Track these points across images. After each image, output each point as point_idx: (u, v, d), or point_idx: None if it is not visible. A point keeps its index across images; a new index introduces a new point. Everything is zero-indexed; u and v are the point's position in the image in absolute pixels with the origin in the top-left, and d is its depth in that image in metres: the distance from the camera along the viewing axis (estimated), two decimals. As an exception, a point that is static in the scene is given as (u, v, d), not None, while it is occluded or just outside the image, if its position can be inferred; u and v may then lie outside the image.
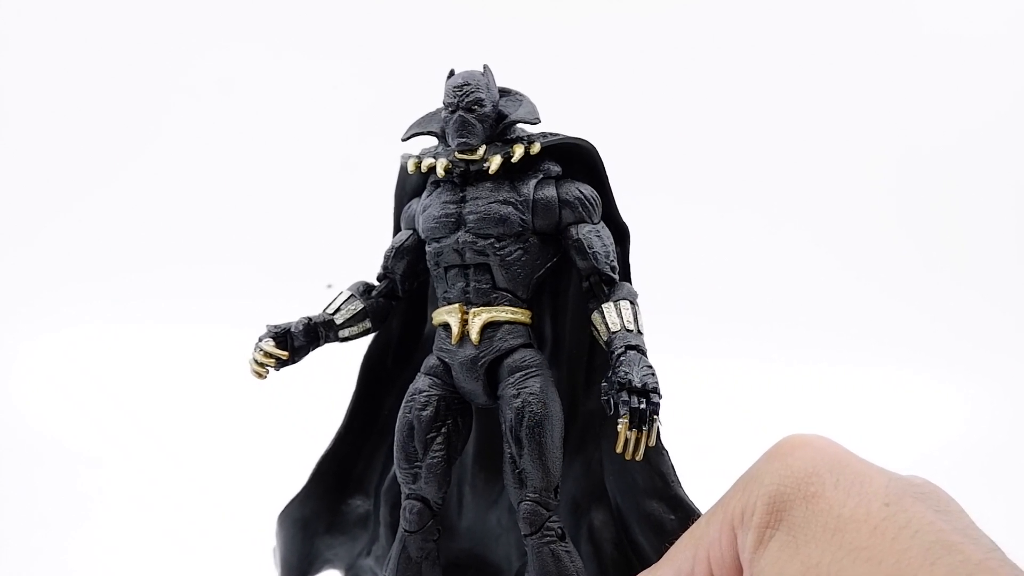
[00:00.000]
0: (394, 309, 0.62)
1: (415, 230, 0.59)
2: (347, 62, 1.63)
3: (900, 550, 0.38)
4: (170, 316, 1.53)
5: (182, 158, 1.63)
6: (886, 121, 1.64)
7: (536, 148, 0.54)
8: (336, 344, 0.61)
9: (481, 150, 0.54)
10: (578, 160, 0.56)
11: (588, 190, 0.56)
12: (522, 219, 0.54)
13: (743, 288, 1.56)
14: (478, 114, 0.54)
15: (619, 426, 0.49)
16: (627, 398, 0.49)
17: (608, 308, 0.53)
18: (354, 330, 0.60)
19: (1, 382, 1.45)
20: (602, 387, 0.51)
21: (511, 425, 0.52)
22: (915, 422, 1.41)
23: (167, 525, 1.09)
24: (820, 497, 0.42)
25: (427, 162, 0.56)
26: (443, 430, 0.55)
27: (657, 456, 0.54)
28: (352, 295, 0.60)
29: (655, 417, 0.49)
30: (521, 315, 0.55)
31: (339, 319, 0.60)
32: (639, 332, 0.53)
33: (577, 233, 0.55)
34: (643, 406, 0.49)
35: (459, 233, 0.55)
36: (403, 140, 0.58)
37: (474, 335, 0.54)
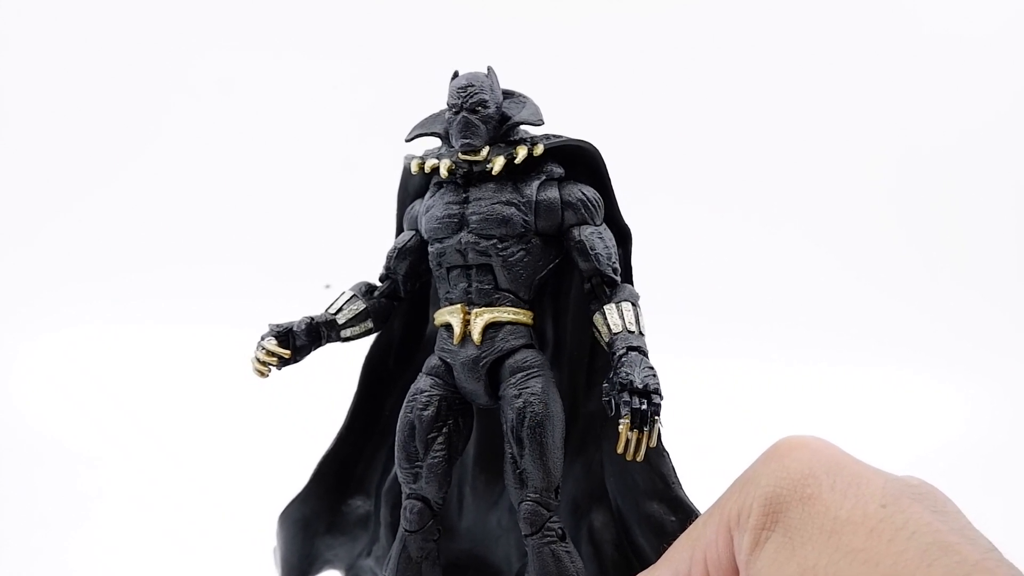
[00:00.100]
0: (396, 309, 0.62)
1: (418, 231, 0.59)
2: (347, 62, 1.63)
3: (897, 551, 0.38)
4: (170, 316, 1.53)
5: (182, 158, 1.63)
6: (886, 122, 1.64)
7: (539, 150, 0.54)
8: (338, 344, 0.61)
9: (484, 151, 0.54)
10: (581, 162, 0.56)
11: (590, 192, 0.56)
12: (524, 220, 0.54)
13: (743, 289, 1.56)
14: (482, 115, 0.54)
15: (620, 427, 0.49)
16: (628, 399, 0.49)
17: (610, 309, 0.54)
18: (356, 330, 0.60)
19: (1, 382, 1.45)
20: (603, 388, 0.51)
21: (512, 425, 0.53)
22: (914, 422, 1.41)
23: (167, 525, 1.09)
24: (816, 499, 0.42)
25: (430, 163, 0.56)
26: (444, 430, 0.55)
27: (658, 457, 0.54)
28: (354, 295, 0.61)
29: (656, 418, 0.49)
30: (523, 316, 0.55)
31: (341, 319, 0.60)
32: (640, 333, 0.53)
33: (579, 235, 0.55)
34: (644, 407, 0.49)
35: (462, 234, 0.55)
36: (407, 141, 0.59)
37: (476, 335, 0.54)
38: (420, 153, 0.58)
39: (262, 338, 0.58)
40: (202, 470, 1.21)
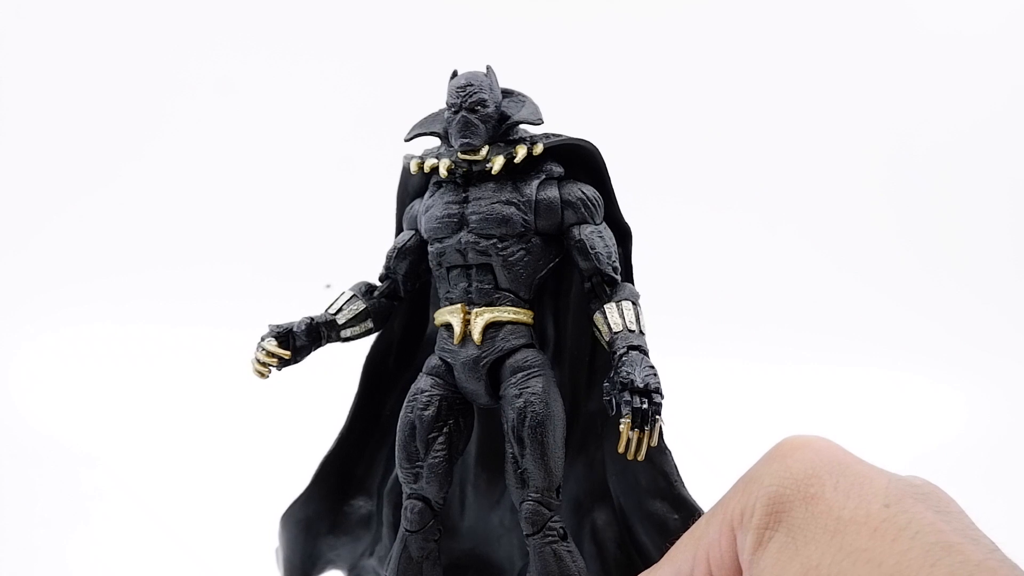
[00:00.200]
0: (396, 310, 0.62)
1: (417, 230, 0.59)
2: (347, 62, 1.63)
3: (900, 551, 0.38)
4: (170, 316, 1.53)
5: (182, 158, 1.63)
6: (885, 122, 1.65)
7: (539, 149, 0.54)
8: (338, 344, 0.61)
9: (484, 150, 0.54)
10: (580, 161, 0.56)
11: (590, 191, 0.56)
12: (524, 220, 0.54)
13: (744, 289, 1.56)
14: (481, 115, 0.54)
15: (621, 426, 0.49)
16: (629, 398, 0.49)
17: (610, 309, 0.54)
18: (356, 330, 0.60)
19: (1, 382, 1.45)
20: (604, 387, 0.51)
21: (513, 425, 0.53)
22: (914, 422, 1.41)
23: (167, 525, 1.09)
24: (820, 498, 0.42)
25: (430, 162, 0.56)
26: (445, 430, 0.55)
27: (660, 455, 0.54)
28: (354, 295, 0.60)
29: (657, 417, 0.49)
30: (523, 315, 0.55)
31: (341, 319, 0.60)
32: (641, 332, 0.53)
33: (579, 234, 0.55)
34: (645, 406, 0.49)
35: (461, 233, 0.55)
36: (406, 140, 0.59)
37: (476, 335, 0.54)
38: (419, 153, 0.58)
39: (262, 339, 0.58)
40: (202, 470, 1.21)
